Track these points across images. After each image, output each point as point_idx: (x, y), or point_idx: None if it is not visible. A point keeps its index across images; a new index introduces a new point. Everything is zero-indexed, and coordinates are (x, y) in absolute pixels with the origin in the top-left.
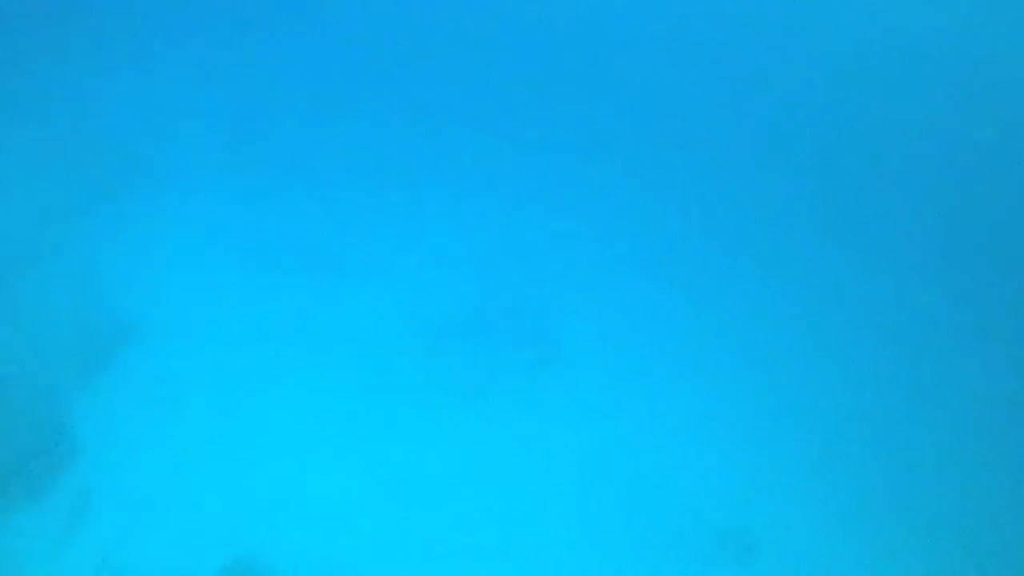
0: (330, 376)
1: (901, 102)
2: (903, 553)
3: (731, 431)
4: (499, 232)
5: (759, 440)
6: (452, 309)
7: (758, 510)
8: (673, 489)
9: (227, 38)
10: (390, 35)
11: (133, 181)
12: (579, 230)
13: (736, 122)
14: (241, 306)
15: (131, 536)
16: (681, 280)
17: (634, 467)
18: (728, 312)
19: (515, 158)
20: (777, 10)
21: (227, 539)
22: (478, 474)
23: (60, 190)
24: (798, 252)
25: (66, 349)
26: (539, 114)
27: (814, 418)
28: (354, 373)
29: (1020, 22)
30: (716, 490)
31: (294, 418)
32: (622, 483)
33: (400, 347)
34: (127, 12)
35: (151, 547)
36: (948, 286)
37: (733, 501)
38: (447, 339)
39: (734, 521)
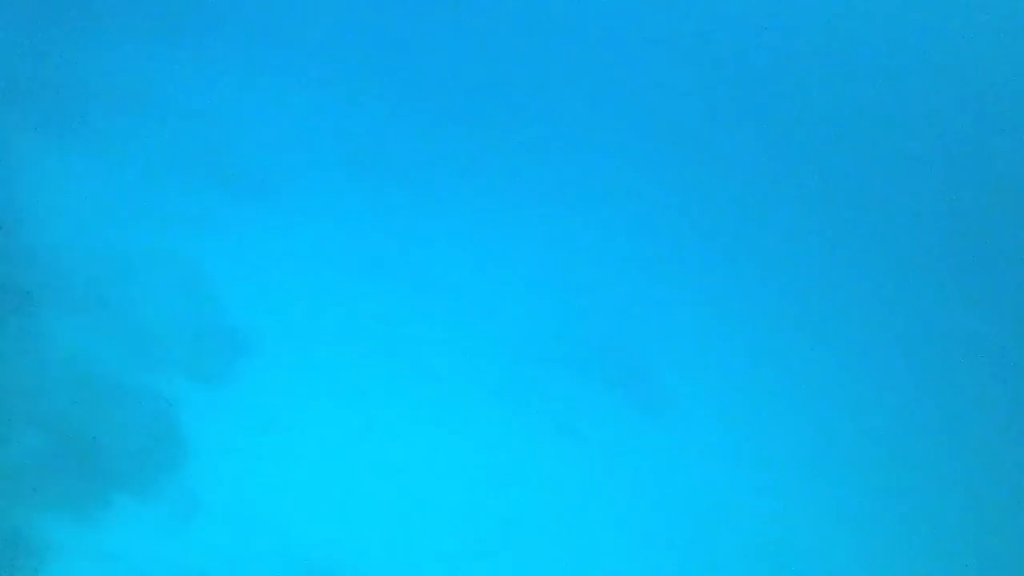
0: (427, 400)
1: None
2: None
3: (844, 495)
4: (602, 262)
5: (875, 504)
6: (548, 338)
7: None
8: (785, 553)
9: (346, 49)
10: (505, 60)
11: (251, 190)
12: (690, 268)
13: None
14: (348, 321)
15: (235, 540)
16: (808, 328)
17: (741, 532)
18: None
19: (628, 187)
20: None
21: (326, 550)
22: (567, 518)
23: (178, 197)
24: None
25: (181, 355)
26: (650, 150)
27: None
28: (450, 397)
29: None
30: (828, 552)
31: (391, 437)
32: (723, 544)
33: (494, 374)
34: (248, 22)
35: (254, 552)
36: None
37: (844, 558)
38: (540, 370)
39: None
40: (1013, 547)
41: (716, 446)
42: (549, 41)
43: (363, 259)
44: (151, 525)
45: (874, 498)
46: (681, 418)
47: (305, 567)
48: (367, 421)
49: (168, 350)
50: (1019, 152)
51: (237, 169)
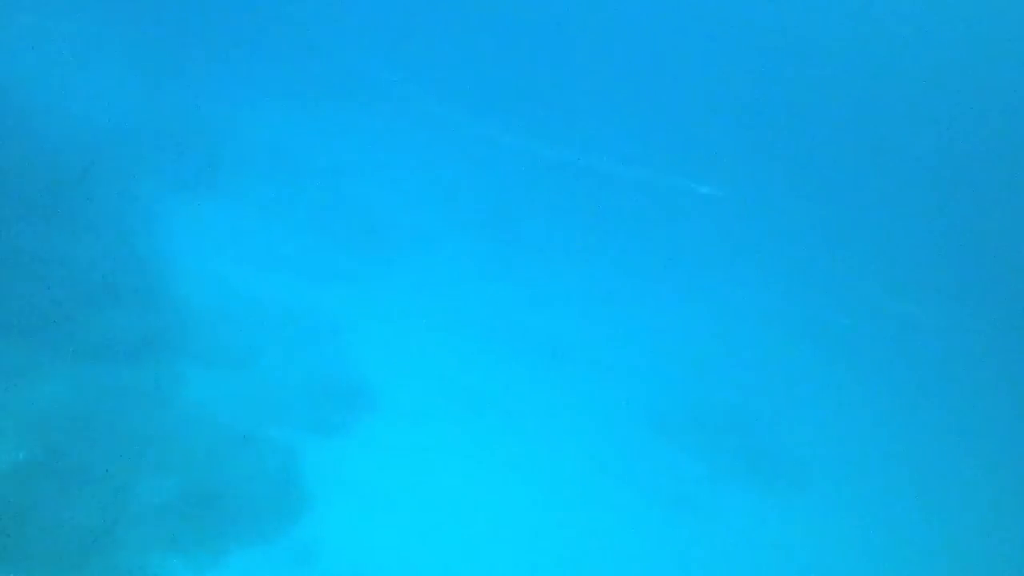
0: (542, 465)
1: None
2: None
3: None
4: (728, 335)
5: None
6: (668, 406)
7: None
8: None
9: (489, 116)
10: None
11: (387, 252)
12: (813, 339)
13: None
14: (470, 382)
15: None
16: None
17: None
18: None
19: (749, 257)
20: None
21: None
22: None
23: (316, 256)
24: None
25: (305, 408)
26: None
27: None
28: (567, 464)
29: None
30: None
31: (505, 498)
32: None
33: (613, 444)
34: (397, 89)
35: None
36: None
37: None
38: (660, 437)
39: None
40: None
41: (840, 526)
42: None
43: (490, 324)
44: (270, 572)
45: None
46: (805, 495)
47: None
48: (482, 481)
49: (294, 403)
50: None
51: (374, 230)
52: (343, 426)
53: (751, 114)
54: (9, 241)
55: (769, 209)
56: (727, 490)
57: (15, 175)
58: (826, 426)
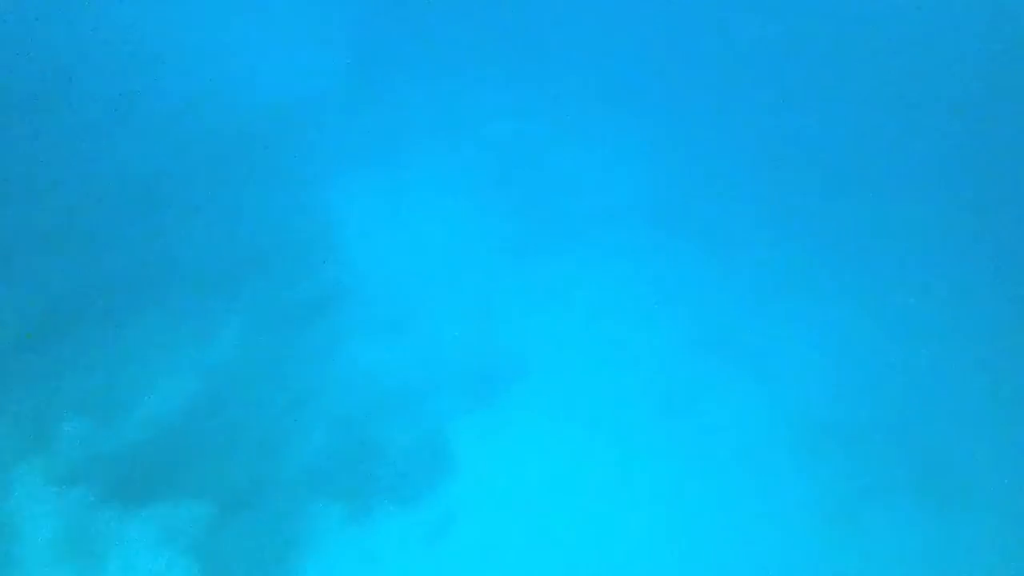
0: (697, 453)
1: None
2: None
3: None
4: (900, 338)
5: None
6: (832, 413)
7: None
8: None
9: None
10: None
11: (552, 232)
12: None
13: None
14: (623, 366)
15: (485, 558)
16: None
17: None
18: None
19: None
20: None
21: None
22: None
23: (483, 232)
24: None
25: (456, 377)
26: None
27: None
28: (719, 455)
29: None
30: None
31: (652, 477)
32: None
33: (775, 444)
34: (577, 71)
35: (502, 571)
36: None
37: None
38: (821, 445)
39: None
40: None
41: (1013, 548)
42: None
43: (649, 312)
44: (410, 532)
45: None
46: (976, 514)
47: None
48: (628, 468)
49: (449, 371)
50: None
51: (541, 212)
52: (496, 399)
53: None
54: (201, 199)
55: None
56: (891, 505)
57: (208, 134)
58: (999, 439)
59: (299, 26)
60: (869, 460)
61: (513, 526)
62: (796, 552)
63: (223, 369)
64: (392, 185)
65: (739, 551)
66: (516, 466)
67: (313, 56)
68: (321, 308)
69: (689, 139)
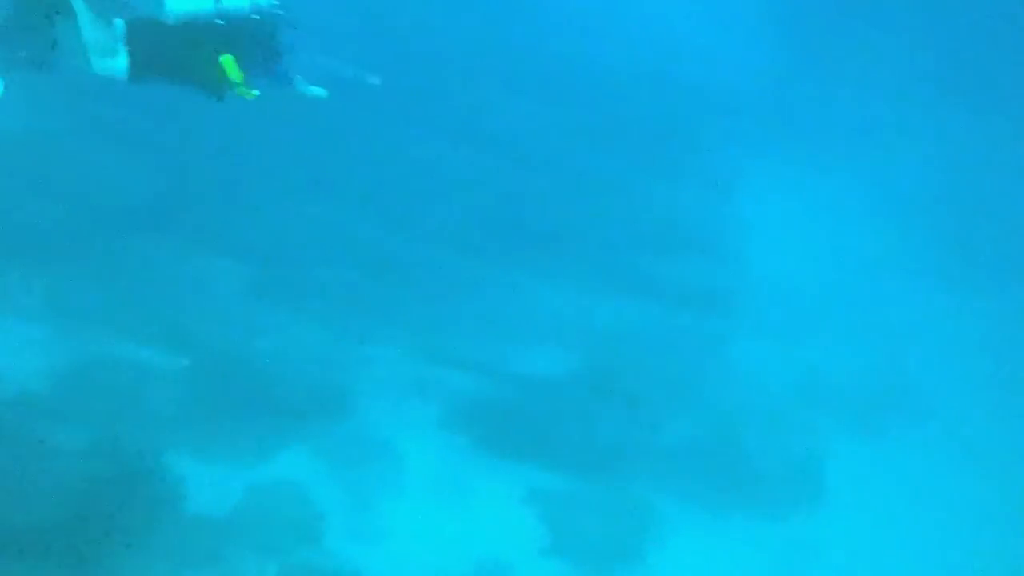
0: None
1: None
2: None
3: None
4: None
5: None
6: None
7: None
8: None
9: None
10: None
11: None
12: None
13: None
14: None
15: None
16: None
17: None
18: None
19: None
20: None
21: None
22: None
23: (892, 257)
24: None
25: (842, 398)
26: None
27: None
28: None
29: None
30: None
31: None
32: None
33: None
34: None
35: None
36: None
37: None
38: None
39: None
40: None
41: None
42: None
43: None
44: (762, 549)
45: None
46: None
47: None
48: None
49: (836, 391)
50: None
51: (974, 242)
52: (884, 429)
53: None
54: (611, 170)
55: None
56: None
57: (624, 101)
58: None
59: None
60: None
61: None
62: None
63: (606, 341)
64: (807, 189)
65: None
66: (893, 508)
67: (746, 40)
68: (711, 302)
69: None
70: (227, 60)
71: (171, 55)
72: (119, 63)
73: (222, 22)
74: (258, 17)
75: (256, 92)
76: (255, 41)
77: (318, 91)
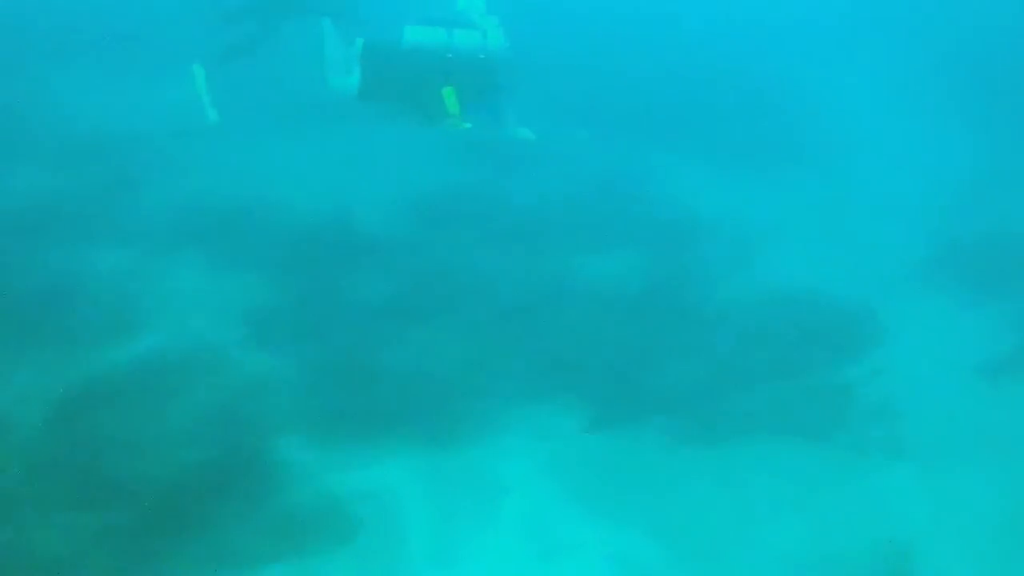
0: None
1: None
2: None
3: None
4: None
5: None
6: None
7: None
8: None
9: None
10: None
11: None
12: None
13: None
14: None
15: None
16: None
17: None
18: None
19: None
20: None
21: None
22: None
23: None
24: None
25: None
26: None
27: None
28: None
29: None
30: None
31: None
32: None
33: None
34: None
35: None
36: None
37: None
38: None
39: None
40: None
41: None
42: None
43: None
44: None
45: None
46: None
47: None
48: None
49: None
50: None
51: None
52: None
53: None
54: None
55: None
56: None
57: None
58: None
59: None
60: None
61: None
62: None
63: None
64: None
65: None
66: None
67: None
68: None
69: None
70: (448, 92)
71: (399, 80)
72: (351, 81)
73: (451, 55)
74: (483, 56)
75: (468, 125)
76: (477, 78)
77: (527, 133)
